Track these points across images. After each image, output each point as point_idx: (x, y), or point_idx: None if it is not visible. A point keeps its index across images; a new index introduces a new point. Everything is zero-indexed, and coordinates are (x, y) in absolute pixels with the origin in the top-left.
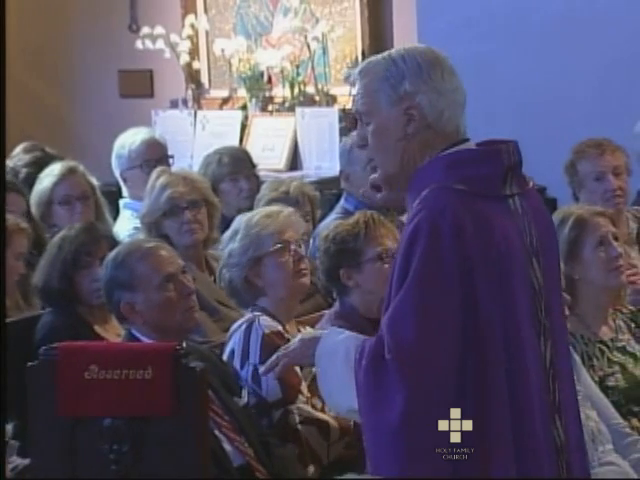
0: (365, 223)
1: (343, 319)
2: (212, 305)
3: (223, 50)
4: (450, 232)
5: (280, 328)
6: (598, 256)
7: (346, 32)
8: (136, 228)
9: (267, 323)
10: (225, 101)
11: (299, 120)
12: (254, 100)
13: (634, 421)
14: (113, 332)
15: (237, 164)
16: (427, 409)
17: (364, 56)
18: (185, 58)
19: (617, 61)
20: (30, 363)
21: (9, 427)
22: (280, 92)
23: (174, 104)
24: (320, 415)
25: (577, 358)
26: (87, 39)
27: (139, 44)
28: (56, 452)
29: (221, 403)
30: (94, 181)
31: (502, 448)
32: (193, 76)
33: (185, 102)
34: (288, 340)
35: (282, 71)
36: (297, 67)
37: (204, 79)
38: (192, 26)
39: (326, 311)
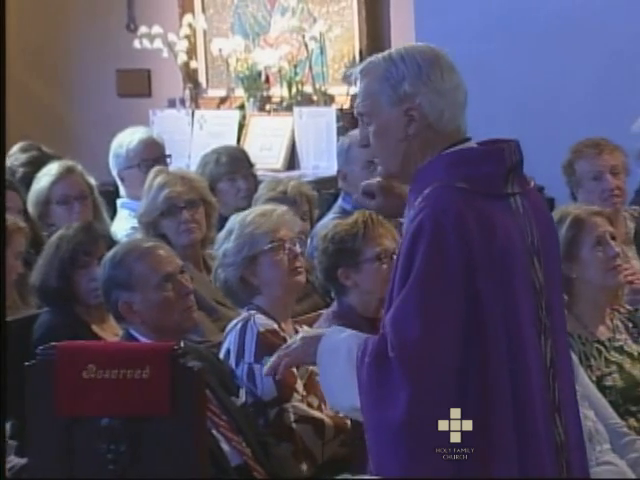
0: (364, 223)
1: (341, 319)
2: (210, 305)
3: (221, 50)
4: (453, 230)
5: (275, 326)
6: (596, 256)
7: (344, 32)
8: (134, 228)
9: (262, 321)
10: (223, 101)
11: (297, 120)
12: (252, 100)
13: (631, 421)
14: (111, 332)
15: (235, 164)
16: (430, 407)
17: (362, 56)
18: (183, 58)
19: (615, 61)
20: (28, 362)
21: (7, 426)
22: (278, 92)
23: (172, 103)
24: (315, 413)
25: (575, 358)
26: (85, 39)
27: (137, 44)
28: (54, 452)
29: (219, 403)
30: (92, 181)
31: (505, 447)
32: (191, 76)
33: (183, 102)
34: (284, 338)
35: (280, 71)
36: (295, 67)
37: (202, 79)
38: (190, 25)
39: (324, 311)
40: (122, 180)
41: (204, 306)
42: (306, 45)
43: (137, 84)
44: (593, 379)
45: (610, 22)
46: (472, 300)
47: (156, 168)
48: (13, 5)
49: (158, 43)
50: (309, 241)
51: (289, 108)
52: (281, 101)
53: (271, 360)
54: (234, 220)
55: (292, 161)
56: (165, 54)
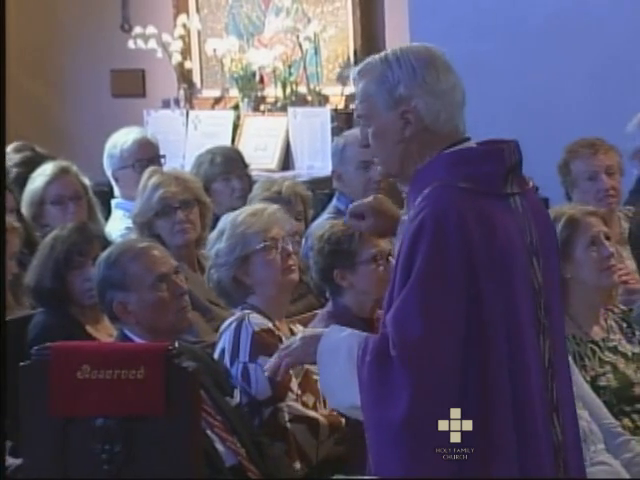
0: None
1: (336, 319)
2: (204, 305)
3: (215, 50)
4: (454, 229)
5: (270, 325)
6: (590, 256)
7: (338, 32)
8: (128, 228)
9: (257, 321)
10: (217, 101)
11: (291, 120)
12: (246, 100)
13: (625, 421)
14: (105, 332)
15: (229, 164)
16: (431, 406)
17: (356, 56)
18: (177, 58)
19: (610, 61)
20: (22, 363)
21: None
22: (272, 92)
23: (166, 104)
24: (310, 413)
25: (569, 358)
26: (79, 39)
27: (131, 44)
28: (48, 452)
29: (213, 403)
30: (86, 181)
31: (505, 447)
32: (185, 76)
33: (177, 102)
34: (279, 337)
35: (274, 71)
36: (289, 67)
37: (196, 79)
38: (184, 26)
39: (318, 311)
40: (116, 180)
41: (198, 306)
42: (300, 45)
43: (131, 84)
44: (587, 379)
45: (606, 21)
46: (473, 299)
47: (150, 168)
48: (7, 5)
49: (152, 43)
50: (304, 241)
51: (283, 108)
52: (275, 101)
53: (271, 361)
54: (225, 220)
55: (286, 161)
56: (159, 54)
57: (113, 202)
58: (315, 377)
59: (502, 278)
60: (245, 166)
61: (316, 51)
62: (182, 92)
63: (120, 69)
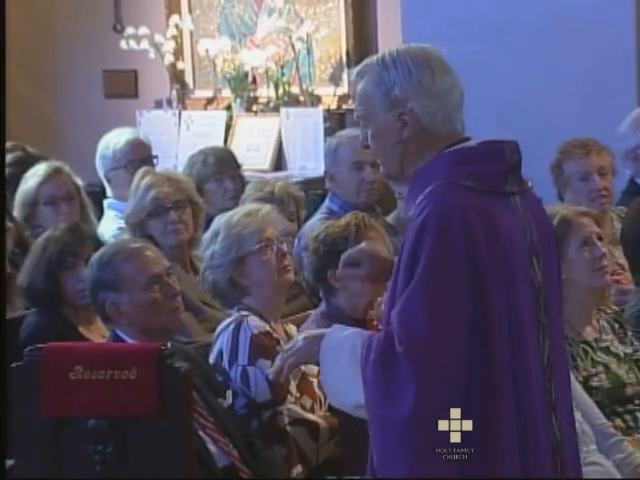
0: (356, 226)
1: (329, 319)
2: (197, 306)
3: (207, 50)
4: (458, 226)
5: (268, 328)
6: (582, 256)
7: (331, 32)
8: (120, 228)
9: (255, 323)
10: (210, 101)
11: (284, 120)
12: (239, 100)
13: (618, 421)
14: (98, 333)
15: (222, 164)
16: (437, 403)
17: (349, 56)
18: (169, 58)
19: (602, 61)
20: (14, 363)
21: None
22: (265, 92)
23: (158, 104)
24: (309, 416)
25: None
26: (71, 39)
27: (123, 44)
28: (41, 453)
29: (205, 404)
30: (79, 181)
31: (508, 445)
32: (177, 76)
33: (169, 102)
34: (277, 340)
35: (267, 71)
36: (282, 67)
37: (188, 79)
38: (176, 26)
39: (312, 311)
40: (109, 181)
41: (191, 307)
42: (293, 46)
43: (124, 85)
44: (579, 380)
45: (598, 22)
46: (477, 296)
47: (143, 169)
48: None
49: (145, 44)
50: (296, 242)
51: (276, 109)
52: (268, 102)
53: (275, 363)
54: (219, 221)
55: (279, 162)
56: (152, 55)
57: (105, 202)
58: (312, 379)
59: (504, 276)
60: (238, 166)
61: (309, 51)
62: (174, 92)
63: (112, 69)
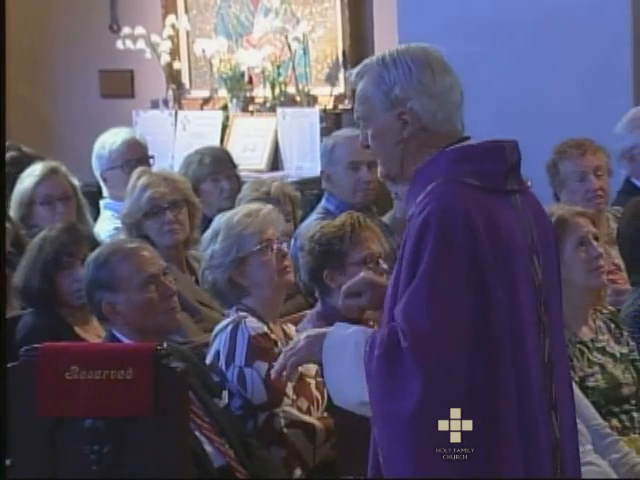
0: (351, 226)
1: (325, 319)
2: (193, 306)
3: (204, 50)
4: (460, 223)
5: (266, 329)
6: (578, 256)
7: (327, 32)
8: (117, 228)
9: (253, 325)
10: (206, 101)
11: (280, 120)
12: (235, 100)
13: (614, 421)
14: (94, 333)
15: (218, 164)
16: (443, 397)
17: (345, 56)
18: (166, 58)
19: (599, 62)
20: (10, 363)
21: None
22: (261, 92)
23: (155, 104)
24: (306, 418)
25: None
26: (68, 39)
27: (120, 44)
28: (37, 452)
29: (201, 404)
30: (76, 182)
31: (511, 442)
32: (174, 76)
33: (166, 102)
34: (275, 342)
35: (263, 71)
36: (278, 67)
37: (185, 79)
38: (173, 26)
39: (308, 311)
40: (105, 181)
41: (187, 307)
42: (289, 46)
43: (120, 85)
44: (576, 380)
45: (595, 22)
46: (479, 293)
47: (139, 169)
48: None
49: (141, 44)
50: (292, 242)
51: (272, 109)
52: (264, 102)
53: (277, 362)
54: (220, 221)
55: (275, 162)
56: (148, 55)
57: (102, 202)
58: (309, 380)
59: (505, 274)
60: (234, 166)
61: (305, 51)
62: (171, 92)
63: (109, 69)
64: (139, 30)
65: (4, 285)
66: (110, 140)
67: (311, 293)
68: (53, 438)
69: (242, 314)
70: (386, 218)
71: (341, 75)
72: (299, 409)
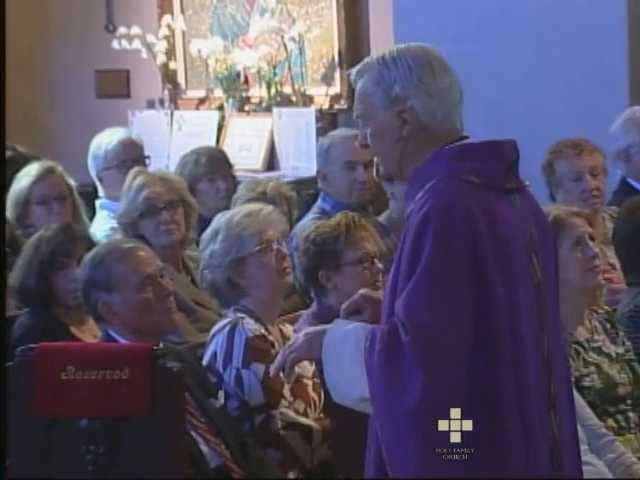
0: (346, 226)
1: (320, 319)
2: (189, 306)
3: (200, 50)
4: (460, 218)
5: (263, 331)
6: (574, 256)
7: (323, 32)
8: (112, 228)
9: (251, 326)
10: (202, 101)
11: (276, 120)
12: (231, 100)
13: (610, 421)
14: (90, 333)
15: (214, 164)
16: (445, 392)
17: (341, 56)
18: (162, 58)
19: (594, 61)
20: (7, 363)
21: None
22: (257, 92)
23: (151, 104)
24: (302, 420)
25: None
26: (63, 39)
27: (115, 44)
28: (32, 452)
29: (197, 404)
30: (72, 182)
31: (513, 442)
32: (170, 76)
33: (162, 102)
34: (272, 343)
35: (259, 71)
36: (274, 67)
37: (181, 79)
38: (169, 26)
39: (304, 311)
40: (101, 181)
41: (183, 307)
42: (285, 46)
43: (116, 85)
44: (571, 380)
45: (590, 22)
46: (480, 288)
47: (135, 169)
48: None
49: (137, 44)
50: (288, 242)
51: (268, 109)
52: (260, 102)
53: (276, 359)
54: (220, 220)
55: (271, 162)
56: (144, 55)
57: (97, 202)
58: (306, 381)
59: (505, 271)
60: (230, 166)
61: (301, 51)
62: (167, 92)
63: (105, 69)
64: (135, 30)
65: (4, 285)
66: (106, 140)
67: (307, 293)
68: (49, 438)
69: (240, 315)
70: (382, 218)
71: (337, 75)
72: (296, 411)
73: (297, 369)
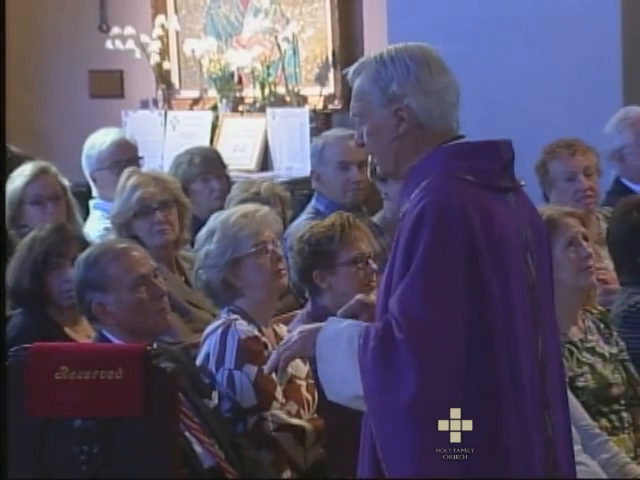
0: (341, 226)
1: (315, 320)
2: (183, 306)
3: (193, 50)
4: (456, 215)
5: (256, 332)
6: (568, 256)
7: (317, 33)
8: (106, 229)
9: (244, 328)
10: (196, 101)
11: (270, 120)
12: (225, 100)
13: (603, 421)
14: (83, 334)
15: (208, 164)
16: (438, 388)
17: (335, 57)
18: (155, 58)
19: (587, 61)
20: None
21: None
22: (251, 92)
23: (144, 104)
24: (294, 421)
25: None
26: (57, 39)
27: (109, 44)
28: (26, 453)
29: (191, 405)
30: (66, 182)
31: (510, 441)
32: (163, 76)
33: (155, 102)
34: (265, 344)
35: (253, 72)
36: (268, 67)
37: (174, 79)
38: (162, 26)
39: (298, 311)
40: (94, 181)
41: (177, 307)
42: (279, 46)
43: (109, 85)
44: (565, 380)
45: (583, 23)
46: (475, 286)
47: (129, 169)
48: None
49: (130, 44)
50: (282, 242)
51: (262, 109)
52: (254, 102)
53: (271, 357)
54: (215, 220)
55: (265, 162)
56: (138, 55)
57: (91, 203)
58: (299, 382)
59: (500, 270)
60: (224, 167)
61: (295, 52)
62: (160, 93)
63: (98, 69)
64: (128, 30)
65: (4, 285)
66: (99, 140)
67: (301, 293)
68: (42, 438)
69: (233, 317)
70: (376, 218)
71: (331, 75)
72: (288, 413)
73: (290, 369)
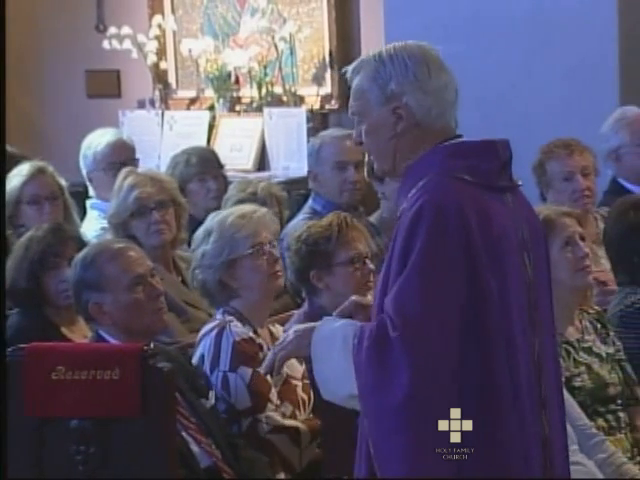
0: (338, 226)
1: (312, 320)
2: (180, 306)
3: (190, 50)
4: (453, 214)
5: (251, 334)
6: (565, 256)
7: (313, 32)
8: (103, 228)
9: (238, 330)
10: (192, 101)
11: (267, 120)
12: (221, 100)
13: (600, 421)
14: (80, 334)
15: (205, 164)
16: (432, 387)
17: (332, 56)
18: (152, 58)
19: (584, 61)
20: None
21: None
22: (248, 92)
23: (141, 104)
24: (289, 422)
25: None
26: (54, 39)
27: (106, 44)
28: (23, 453)
29: (188, 405)
30: (63, 182)
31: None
32: (160, 76)
33: (152, 102)
34: (260, 346)
35: (250, 71)
36: (265, 67)
37: (171, 79)
38: (159, 26)
39: (295, 311)
40: (91, 181)
41: (173, 307)
42: (276, 46)
43: (106, 85)
44: (562, 380)
45: (580, 22)
46: (471, 285)
47: (126, 169)
48: None
49: (127, 44)
50: (279, 242)
51: (259, 109)
52: (251, 102)
53: (267, 358)
54: (213, 221)
55: (262, 162)
56: (135, 55)
57: (88, 202)
58: (295, 382)
59: (497, 270)
60: (220, 167)
61: (291, 52)
62: (157, 92)
63: (95, 69)
64: (125, 30)
65: (4, 284)
66: (96, 141)
67: (298, 293)
68: (39, 438)
69: (228, 318)
70: (373, 218)
71: (328, 75)
72: (283, 414)
73: (286, 369)
